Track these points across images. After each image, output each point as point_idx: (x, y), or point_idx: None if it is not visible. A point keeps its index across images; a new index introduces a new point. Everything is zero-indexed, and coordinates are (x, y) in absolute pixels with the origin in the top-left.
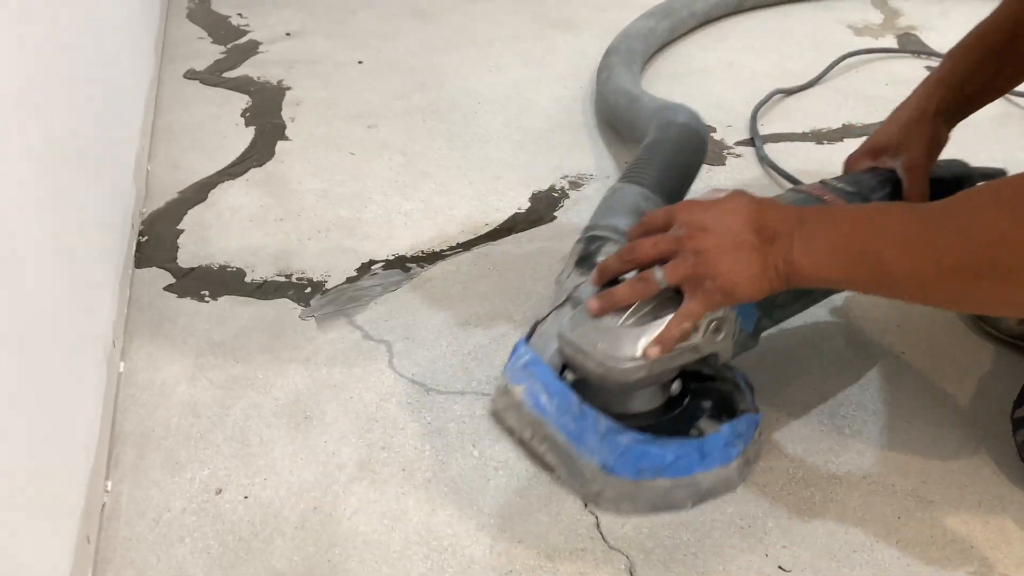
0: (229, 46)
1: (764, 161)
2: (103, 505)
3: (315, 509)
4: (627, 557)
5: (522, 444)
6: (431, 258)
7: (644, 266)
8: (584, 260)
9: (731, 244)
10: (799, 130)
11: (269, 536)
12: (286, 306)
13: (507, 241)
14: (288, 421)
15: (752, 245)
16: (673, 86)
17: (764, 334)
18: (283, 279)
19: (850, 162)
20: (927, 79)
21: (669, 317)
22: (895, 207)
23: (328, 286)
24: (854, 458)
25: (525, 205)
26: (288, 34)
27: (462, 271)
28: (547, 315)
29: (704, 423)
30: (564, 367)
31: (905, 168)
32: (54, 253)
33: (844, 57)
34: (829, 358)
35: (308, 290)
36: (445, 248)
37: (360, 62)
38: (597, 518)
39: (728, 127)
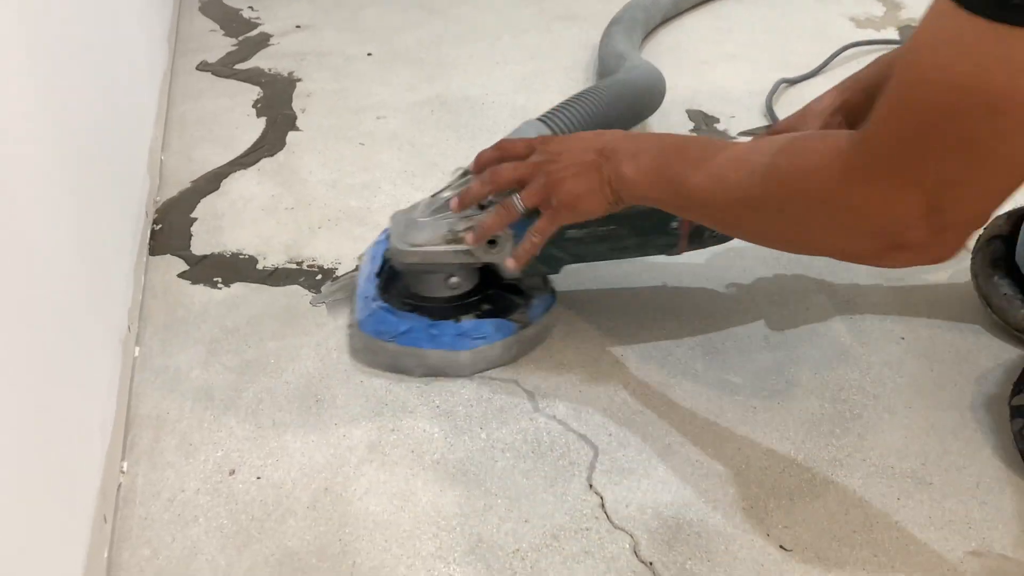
0: (240, 39)
1: None
2: (119, 486)
3: (326, 490)
4: (631, 536)
5: (350, 302)
6: None
7: (503, 190)
8: (467, 172)
9: (576, 165)
10: None
11: (281, 516)
12: (297, 293)
13: None
14: (300, 405)
15: (592, 163)
16: (677, 78)
17: (576, 267)
18: (294, 266)
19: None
20: (848, 77)
21: (448, 218)
22: (714, 142)
23: (338, 273)
24: (854, 440)
25: None
26: (298, 27)
27: None
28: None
29: (466, 318)
30: None
31: None
32: (70, 241)
33: (846, 48)
34: (830, 342)
35: (319, 277)
36: None
37: (369, 54)
38: (602, 499)
39: (732, 117)
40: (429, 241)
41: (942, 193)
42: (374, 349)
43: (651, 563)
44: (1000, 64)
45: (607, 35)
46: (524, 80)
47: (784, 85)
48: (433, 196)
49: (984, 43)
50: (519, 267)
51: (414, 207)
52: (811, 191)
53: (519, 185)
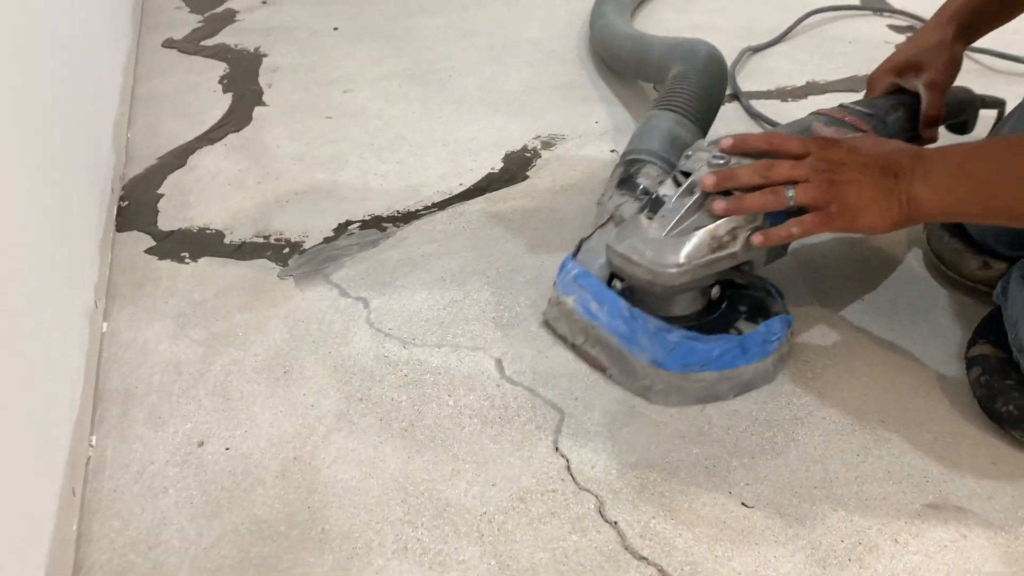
0: (206, 15)
1: (755, 117)
2: (88, 459)
3: (295, 459)
4: (596, 497)
5: (574, 349)
6: (407, 218)
7: (768, 185)
8: (624, 182)
9: (861, 178)
10: (765, 88)
11: (250, 485)
12: (265, 266)
13: (480, 200)
14: (268, 376)
15: (879, 181)
16: None
17: (792, 246)
18: (262, 240)
19: (874, 78)
20: (943, 8)
21: (707, 227)
22: (1006, 142)
23: (306, 246)
24: (815, 400)
25: (499, 165)
26: (264, 2)
27: (437, 229)
28: (591, 234)
29: (742, 324)
30: (611, 278)
31: (926, 85)
32: (36, 218)
33: (809, 14)
34: (792, 304)
35: (286, 250)
36: (420, 208)
37: (336, 29)
38: (568, 461)
39: None
40: (694, 255)
41: None
42: (682, 386)
43: (616, 523)
44: None
45: (604, 14)
46: (491, 51)
47: (749, 53)
48: (647, 213)
49: None
50: (764, 245)
51: (631, 229)
52: None
53: (792, 182)
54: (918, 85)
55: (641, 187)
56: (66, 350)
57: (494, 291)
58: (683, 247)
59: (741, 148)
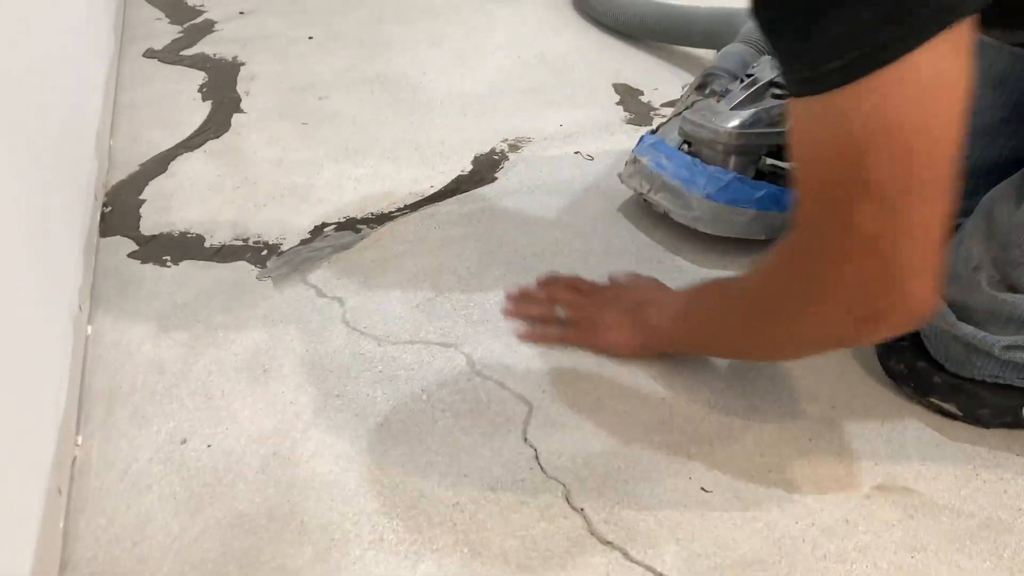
0: (186, 26)
1: None
2: (74, 459)
3: (275, 454)
4: (563, 485)
5: (642, 196)
6: (380, 219)
7: (553, 303)
8: (700, 87)
9: (613, 307)
10: None
11: (232, 481)
12: (244, 268)
13: (451, 201)
14: (248, 375)
15: (627, 310)
16: (601, 54)
17: None
18: (240, 243)
19: None
20: None
21: (762, 104)
22: (719, 287)
23: (283, 248)
24: (769, 387)
25: (468, 168)
26: (242, 13)
27: (409, 230)
28: (667, 122)
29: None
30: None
31: None
32: (20, 226)
33: None
34: None
35: (264, 252)
36: (393, 209)
37: (311, 37)
38: (536, 451)
39: (655, 90)
40: (748, 124)
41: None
42: (728, 218)
43: (582, 509)
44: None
45: None
46: (460, 57)
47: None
48: (716, 98)
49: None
50: (529, 341)
51: (702, 106)
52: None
53: (565, 304)
54: None
55: (709, 89)
56: (52, 353)
57: (464, 289)
58: (741, 116)
59: (546, 282)
